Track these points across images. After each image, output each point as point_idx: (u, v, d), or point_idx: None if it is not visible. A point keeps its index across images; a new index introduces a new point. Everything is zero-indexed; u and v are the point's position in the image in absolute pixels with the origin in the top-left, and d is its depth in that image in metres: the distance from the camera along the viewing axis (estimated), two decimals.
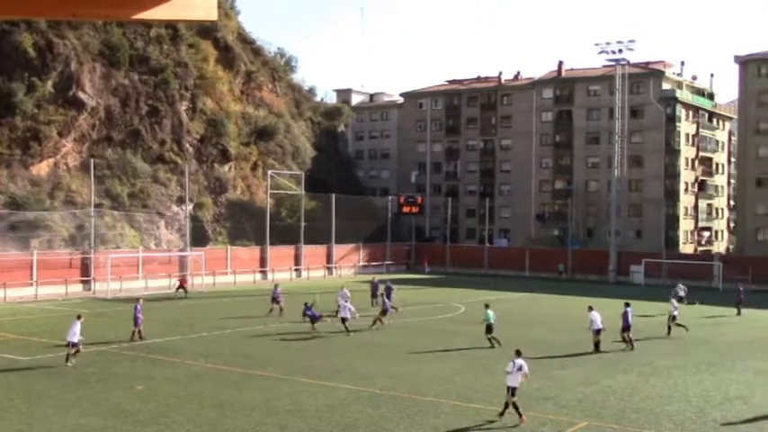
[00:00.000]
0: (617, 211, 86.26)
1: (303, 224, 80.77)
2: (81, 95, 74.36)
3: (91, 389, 27.83)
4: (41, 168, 70.74)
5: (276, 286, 51.19)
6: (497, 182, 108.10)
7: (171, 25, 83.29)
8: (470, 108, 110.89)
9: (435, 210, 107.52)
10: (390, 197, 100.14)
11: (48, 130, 71.15)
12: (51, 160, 71.74)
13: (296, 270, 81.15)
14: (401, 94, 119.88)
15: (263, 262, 78.38)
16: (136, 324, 38.35)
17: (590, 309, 38.49)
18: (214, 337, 40.66)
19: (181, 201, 76.28)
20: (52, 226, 66.90)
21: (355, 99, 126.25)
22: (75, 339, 31.97)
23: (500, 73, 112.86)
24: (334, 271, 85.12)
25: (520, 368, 24.20)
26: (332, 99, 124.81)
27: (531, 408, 25.23)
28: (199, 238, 75.77)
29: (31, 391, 27.42)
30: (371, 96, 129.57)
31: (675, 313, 43.56)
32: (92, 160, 68.11)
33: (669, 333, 42.82)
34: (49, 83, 72.77)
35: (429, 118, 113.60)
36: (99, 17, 8.98)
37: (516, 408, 23.70)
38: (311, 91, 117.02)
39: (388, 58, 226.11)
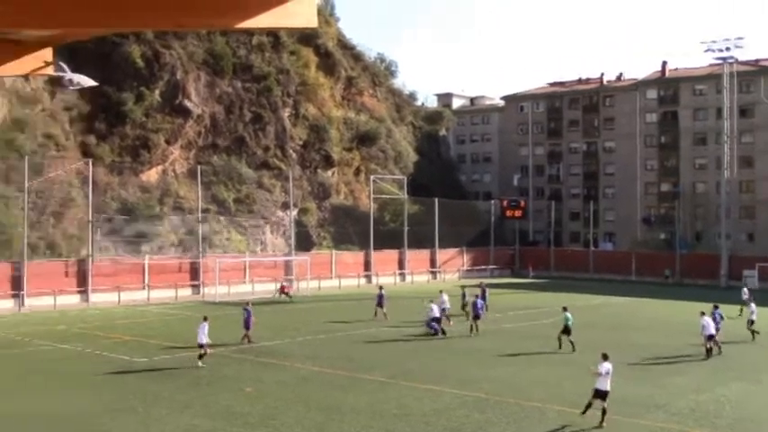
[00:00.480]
0: (727, 213, 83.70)
1: (406, 228, 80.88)
2: (187, 104, 76.30)
3: (202, 391, 28.43)
4: (151, 175, 72.83)
5: (381, 289, 51.40)
6: (601, 184, 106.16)
7: (273, 33, 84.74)
8: (572, 110, 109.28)
9: (538, 213, 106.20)
10: (493, 201, 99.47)
11: (156, 138, 73.26)
12: (160, 167, 73.79)
13: (400, 274, 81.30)
14: (502, 98, 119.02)
15: (367, 266, 78.78)
16: (247, 327, 38.91)
17: (702, 314, 37.48)
18: (320, 340, 41.05)
19: (285, 206, 77.33)
20: (162, 231, 68.76)
21: (456, 103, 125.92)
22: (204, 341, 33.03)
23: (602, 74, 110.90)
24: (438, 275, 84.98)
25: (607, 372, 24.25)
26: (433, 103, 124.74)
27: (642, 416, 24.67)
28: (304, 242, 76.69)
29: (146, 391, 28.20)
30: (472, 100, 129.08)
31: (754, 317, 42.34)
32: (198, 167, 69.77)
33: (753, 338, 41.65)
34: (157, 92, 74.94)
35: (531, 121, 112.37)
36: (203, 27, 9.17)
37: (604, 413, 23.63)
38: (412, 95, 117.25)
39: (489, 62, 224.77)
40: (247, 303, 41.44)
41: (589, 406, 24.16)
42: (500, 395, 27.62)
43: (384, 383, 29.68)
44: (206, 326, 33.33)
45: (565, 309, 39.24)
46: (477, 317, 43.49)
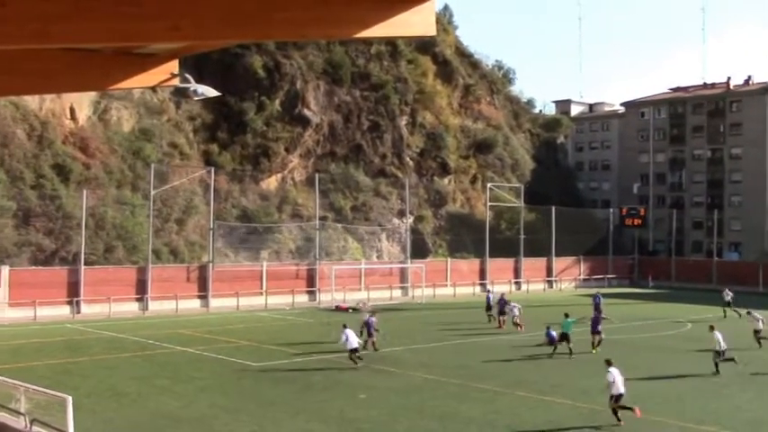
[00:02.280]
0: None
1: (522, 237, 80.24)
2: (306, 113, 77.59)
3: (316, 396, 28.81)
4: (270, 183, 74.37)
5: (502, 296, 51.26)
6: (727, 193, 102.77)
7: (391, 42, 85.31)
8: (696, 116, 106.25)
9: (659, 222, 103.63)
10: (612, 209, 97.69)
11: (276, 147, 74.76)
12: (279, 175, 75.27)
13: (515, 283, 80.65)
14: (622, 104, 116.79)
15: (482, 274, 78.46)
16: (370, 335, 39.05)
17: None
18: (434, 348, 41.08)
19: (402, 214, 77.77)
20: (280, 238, 70.10)
21: (574, 110, 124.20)
22: (355, 345, 34.24)
23: (728, 78, 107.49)
24: (555, 284, 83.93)
25: (615, 377, 25.22)
26: (550, 110, 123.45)
27: None
28: (419, 250, 76.91)
29: (262, 395, 28.79)
30: (591, 107, 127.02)
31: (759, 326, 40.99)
32: (316, 175, 70.87)
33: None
34: (277, 101, 76.49)
35: (652, 127, 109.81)
36: (324, 37, 9.33)
37: (616, 412, 24.84)
38: (529, 103, 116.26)
39: (608, 68, 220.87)
40: (372, 311, 41.92)
41: (615, 413, 24.84)
42: None
43: (497, 393, 29.47)
44: (348, 332, 34.45)
45: (712, 328, 37.04)
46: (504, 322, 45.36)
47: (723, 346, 34.02)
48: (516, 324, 47.27)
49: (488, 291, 58.79)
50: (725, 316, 56.09)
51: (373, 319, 39.48)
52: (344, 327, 35.15)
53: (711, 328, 35.40)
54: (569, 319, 39.36)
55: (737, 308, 55.93)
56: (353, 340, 34.37)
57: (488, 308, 52.11)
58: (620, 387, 25.07)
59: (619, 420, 24.66)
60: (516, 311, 47.71)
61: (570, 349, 38.09)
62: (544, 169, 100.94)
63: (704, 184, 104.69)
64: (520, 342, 41.74)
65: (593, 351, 38.81)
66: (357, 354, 34.49)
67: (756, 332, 41.09)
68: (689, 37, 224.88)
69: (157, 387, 30.38)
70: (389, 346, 40.80)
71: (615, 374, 25.31)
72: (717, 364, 33.79)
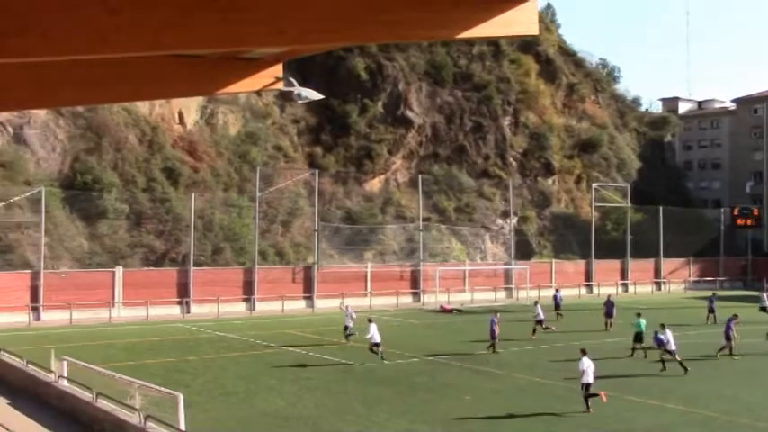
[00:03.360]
0: None
1: (629, 237, 78.76)
2: (409, 114, 77.86)
3: (420, 397, 28.84)
4: (374, 185, 74.85)
5: (609, 297, 50.50)
6: None
7: (493, 42, 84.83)
8: None
9: None
10: (722, 209, 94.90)
11: (379, 149, 75.22)
12: (383, 177, 75.71)
13: (622, 284, 79.16)
14: (733, 101, 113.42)
15: (587, 276, 77.32)
16: (492, 336, 38.89)
17: None
18: (538, 350, 40.64)
19: (505, 215, 77.28)
20: (384, 239, 70.46)
21: (682, 107, 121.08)
22: (378, 339, 36.17)
23: None
24: (663, 286, 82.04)
25: (587, 366, 26.34)
26: (657, 108, 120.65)
27: None
28: (523, 251, 76.28)
29: (367, 395, 28.98)
30: (700, 104, 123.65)
31: None
32: (419, 176, 71.08)
33: None
34: (380, 103, 77.01)
35: (766, 124, 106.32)
36: (426, 38, 9.33)
37: (587, 400, 26.01)
38: (635, 101, 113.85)
39: (717, 64, 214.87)
40: (495, 312, 41.82)
41: (586, 401, 26.00)
42: (731, 415, 26.18)
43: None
44: (374, 326, 36.38)
45: (638, 314, 39.10)
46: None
47: (673, 346, 34.13)
48: (542, 325, 45.90)
49: (556, 290, 58.53)
50: None
51: (495, 319, 39.63)
52: (369, 321, 37.28)
53: (662, 326, 35.16)
54: (641, 319, 38.88)
55: None
56: (376, 335, 36.16)
57: (557, 307, 53.41)
58: (589, 376, 26.13)
59: (588, 408, 25.82)
60: (541, 312, 46.03)
61: (644, 350, 37.56)
62: (651, 168, 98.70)
63: None
64: (627, 345, 40.80)
65: (734, 358, 37.67)
66: (379, 348, 36.22)
67: None
68: None
69: (265, 386, 30.89)
70: (479, 349, 40.53)
71: (587, 364, 26.39)
72: (663, 362, 34.09)
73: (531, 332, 44.87)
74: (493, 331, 38.90)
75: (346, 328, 41.92)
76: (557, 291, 57.87)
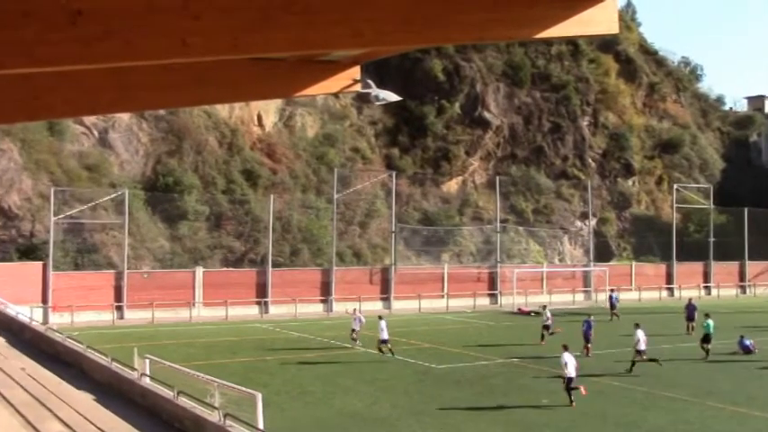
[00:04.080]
0: None
1: (712, 240, 77.07)
2: (486, 115, 77.56)
3: (497, 399, 28.66)
4: (451, 186, 74.76)
5: (690, 300, 49.59)
6: None
7: (572, 41, 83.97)
8: None
9: None
10: None
11: (456, 150, 75.12)
12: (460, 178, 75.57)
13: (705, 288, 77.50)
14: None
15: (668, 279, 75.91)
16: (587, 340, 38.52)
17: None
18: (617, 354, 39.98)
19: (584, 216, 76.38)
20: (461, 241, 70.29)
21: None
22: (386, 336, 37.36)
23: None
24: (748, 290, 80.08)
25: (567, 362, 27.33)
26: (742, 107, 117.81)
27: None
28: (602, 253, 75.31)
29: (444, 397, 28.91)
30: None
31: None
32: (497, 177, 70.71)
33: None
34: (457, 104, 76.89)
35: None
36: (504, 38, 9.24)
37: (570, 394, 27.00)
38: (719, 100, 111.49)
39: None
40: (589, 315, 41.37)
41: (569, 394, 26.97)
42: None
43: (686, 402, 28.34)
44: (384, 323, 37.31)
45: (707, 315, 38.51)
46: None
47: (643, 346, 33.89)
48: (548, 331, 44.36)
49: (612, 290, 58.55)
50: None
51: (590, 320, 39.33)
52: (380, 318, 38.35)
53: (636, 325, 35.00)
54: (710, 320, 38.41)
55: None
56: (385, 332, 37.14)
57: (612, 307, 54.49)
58: (571, 371, 27.13)
59: (572, 402, 26.75)
60: (550, 318, 43.84)
61: (707, 351, 37.46)
62: (735, 169, 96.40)
63: None
64: (712, 350, 39.92)
65: None
66: (388, 346, 37.32)
67: None
68: None
69: (342, 387, 31.04)
70: (574, 351, 40.04)
71: (568, 359, 27.41)
72: (633, 363, 33.67)
73: (540, 338, 42.70)
74: (587, 334, 38.39)
75: (353, 331, 41.95)
76: (612, 291, 57.80)
